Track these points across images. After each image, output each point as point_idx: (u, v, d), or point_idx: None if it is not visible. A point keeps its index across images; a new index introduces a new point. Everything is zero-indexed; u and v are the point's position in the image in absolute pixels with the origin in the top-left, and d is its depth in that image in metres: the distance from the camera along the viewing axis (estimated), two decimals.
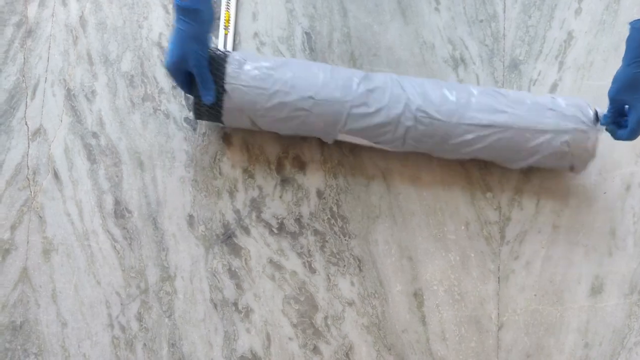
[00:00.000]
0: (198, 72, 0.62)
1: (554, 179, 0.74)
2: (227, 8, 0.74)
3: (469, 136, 0.66)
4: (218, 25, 0.75)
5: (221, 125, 0.71)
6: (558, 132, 0.66)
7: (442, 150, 0.68)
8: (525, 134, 0.66)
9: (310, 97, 0.64)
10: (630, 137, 0.63)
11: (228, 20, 0.74)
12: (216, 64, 0.64)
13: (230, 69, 0.64)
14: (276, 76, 0.65)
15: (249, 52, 0.70)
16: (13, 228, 0.72)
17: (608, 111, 0.64)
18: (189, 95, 0.70)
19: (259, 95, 0.64)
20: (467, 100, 0.66)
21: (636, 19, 0.59)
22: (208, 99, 0.64)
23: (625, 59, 0.60)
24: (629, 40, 0.59)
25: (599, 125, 0.67)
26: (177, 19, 0.60)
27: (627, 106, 0.63)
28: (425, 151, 0.69)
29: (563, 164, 0.68)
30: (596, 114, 0.67)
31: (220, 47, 0.74)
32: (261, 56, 0.69)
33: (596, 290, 0.73)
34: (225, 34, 0.74)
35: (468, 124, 0.65)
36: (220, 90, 0.64)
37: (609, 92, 0.62)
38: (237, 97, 0.65)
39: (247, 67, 0.65)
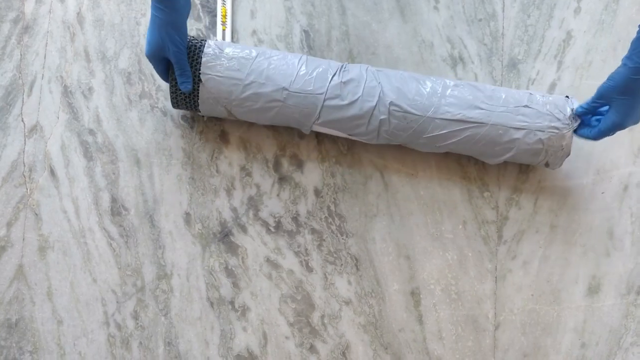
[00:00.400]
0: (176, 59, 0.63)
1: (552, 179, 0.74)
2: (223, 3, 0.74)
3: (443, 131, 0.66)
4: (215, 22, 0.75)
5: (200, 114, 0.71)
6: (531, 129, 0.66)
7: (416, 143, 0.69)
8: (499, 130, 0.66)
9: (285, 89, 0.65)
10: (597, 137, 0.64)
11: (225, 16, 0.74)
12: (192, 53, 0.65)
13: (205, 59, 0.65)
14: (252, 67, 0.65)
15: (226, 42, 0.70)
16: (9, 225, 0.72)
17: (587, 104, 0.64)
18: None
19: (233, 86, 0.65)
20: (442, 94, 0.66)
21: None
22: (186, 86, 0.65)
23: (629, 60, 0.59)
24: (636, 42, 0.58)
25: (575, 123, 0.66)
26: (153, 6, 0.60)
27: (607, 107, 0.62)
28: (400, 143, 0.69)
29: (538, 160, 0.68)
30: (572, 111, 0.67)
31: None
32: (238, 45, 0.68)
33: (593, 290, 0.73)
34: (223, 30, 0.74)
35: (441, 118, 0.66)
36: (196, 80, 0.65)
37: (601, 87, 0.62)
38: (212, 87, 0.65)
39: (223, 57, 0.65)
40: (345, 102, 0.65)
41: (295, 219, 0.72)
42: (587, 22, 0.77)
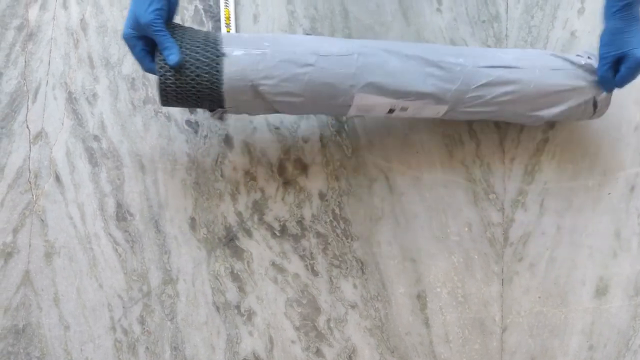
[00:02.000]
0: (158, 35, 0.58)
1: (558, 180, 0.74)
2: (226, 5, 0.74)
3: (491, 78, 0.63)
4: (219, 27, 0.75)
5: (187, 108, 0.67)
6: (575, 74, 0.66)
7: (462, 102, 0.64)
8: (546, 76, 0.65)
9: (315, 53, 0.60)
10: (620, 84, 0.65)
11: (228, 18, 0.74)
12: (210, 35, 0.60)
13: (226, 37, 0.60)
14: (275, 39, 0.61)
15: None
16: (15, 231, 0.72)
17: (604, 69, 0.65)
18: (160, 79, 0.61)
19: (261, 56, 0.59)
20: (481, 50, 0.66)
21: None
22: (173, 58, 0.58)
23: (605, 10, 0.63)
24: None
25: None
26: None
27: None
28: (448, 107, 0.65)
29: (587, 108, 0.67)
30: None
31: None
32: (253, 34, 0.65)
33: (601, 292, 0.72)
34: (228, 32, 0.74)
35: (489, 66, 0.64)
36: (217, 56, 0.59)
37: (600, 50, 0.65)
38: (237, 59, 0.59)
39: (243, 33, 0.62)
40: (384, 58, 0.61)
41: (300, 222, 0.72)
42: (592, 23, 0.76)
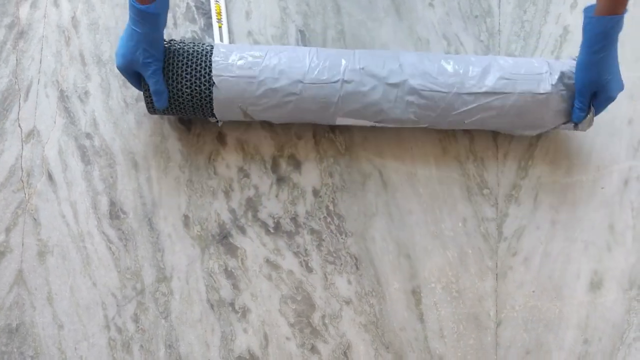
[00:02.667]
0: (151, 76, 0.62)
1: (552, 175, 0.74)
2: (217, 1, 0.74)
3: (471, 105, 0.65)
4: (211, 24, 0.74)
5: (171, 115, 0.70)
6: (557, 92, 0.65)
7: (444, 123, 0.67)
8: (527, 98, 0.65)
9: (299, 81, 0.64)
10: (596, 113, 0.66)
11: (220, 13, 0.74)
12: (202, 57, 0.64)
13: (216, 61, 0.64)
14: (263, 64, 0.64)
15: (233, 45, 0.69)
16: (8, 230, 0.72)
17: (580, 102, 0.65)
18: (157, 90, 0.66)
19: (248, 84, 0.64)
20: (464, 70, 0.65)
21: (589, 5, 0.60)
22: (161, 104, 0.64)
23: (582, 47, 0.62)
24: (584, 29, 0.61)
25: None
26: (133, 19, 0.59)
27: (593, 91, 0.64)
28: (427, 125, 0.68)
29: (567, 120, 0.67)
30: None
31: (216, 39, 0.73)
32: (246, 45, 0.68)
33: (595, 285, 0.72)
34: (220, 27, 0.74)
35: (468, 93, 0.64)
36: (208, 83, 0.64)
37: (577, 84, 0.64)
38: (226, 88, 0.64)
39: (233, 57, 0.64)
40: (367, 87, 0.64)
41: (294, 219, 0.72)
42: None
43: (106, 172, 0.72)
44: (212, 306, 0.71)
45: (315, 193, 0.73)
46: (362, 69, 0.64)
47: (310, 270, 0.72)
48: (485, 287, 0.72)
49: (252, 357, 0.70)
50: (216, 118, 0.68)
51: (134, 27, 0.60)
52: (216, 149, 0.73)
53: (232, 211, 0.72)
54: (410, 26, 0.76)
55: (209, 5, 0.75)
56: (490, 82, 0.65)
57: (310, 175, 0.73)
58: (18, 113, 0.73)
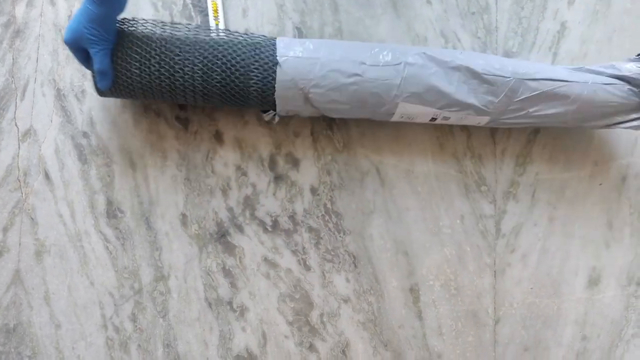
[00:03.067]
0: (96, 54, 0.61)
1: (550, 172, 0.74)
2: None
3: (534, 92, 0.64)
4: (207, 21, 0.74)
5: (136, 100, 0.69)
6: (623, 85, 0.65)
7: (507, 114, 0.66)
8: (593, 88, 0.64)
9: (362, 63, 0.63)
10: None
11: (216, 11, 0.73)
12: (265, 45, 0.64)
13: (281, 43, 0.63)
14: (325, 46, 0.64)
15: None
16: (5, 230, 0.71)
17: None
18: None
19: (311, 65, 0.62)
20: (527, 63, 0.66)
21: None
22: (104, 84, 0.63)
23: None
24: None
25: None
26: None
27: None
28: (489, 119, 0.66)
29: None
30: None
31: None
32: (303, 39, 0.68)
33: (593, 282, 0.72)
34: (217, 24, 0.73)
35: (532, 79, 0.64)
36: (272, 65, 0.63)
37: None
38: (290, 67, 0.62)
39: (295, 44, 0.64)
40: (430, 70, 0.63)
41: (292, 217, 0.72)
42: (582, 13, 0.76)
43: (103, 171, 0.72)
44: (210, 305, 0.71)
45: (313, 191, 0.73)
46: (424, 53, 0.64)
47: (308, 268, 0.71)
48: (484, 284, 0.72)
49: (250, 355, 0.70)
50: (273, 106, 0.66)
51: (88, 5, 0.59)
52: (213, 147, 0.73)
53: (229, 209, 0.72)
54: (408, 23, 0.76)
55: (206, 2, 0.74)
56: (556, 70, 0.65)
57: (308, 173, 0.73)
58: (15, 112, 0.73)
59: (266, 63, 0.63)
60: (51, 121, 0.73)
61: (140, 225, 0.71)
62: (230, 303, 0.71)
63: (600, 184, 0.74)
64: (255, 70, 0.63)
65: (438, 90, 0.63)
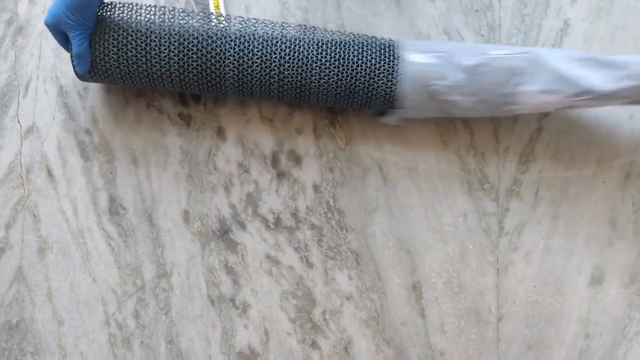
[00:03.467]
0: (75, 38, 0.62)
1: (553, 169, 0.73)
2: None
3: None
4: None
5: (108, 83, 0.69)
6: None
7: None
8: None
9: (484, 53, 0.64)
10: None
11: (218, 7, 0.73)
12: (387, 48, 0.65)
13: (404, 41, 0.65)
14: (442, 45, 0.66)
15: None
16: (7, 227, 0.71)
17: None
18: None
19: (436, 58, 0.64)
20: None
21: None
22: (82, 67, 0.64)
23: None
24: None
25: None
26: None
27: None
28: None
29: None
30: None
31: None
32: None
33: (597, 280, 0.72)
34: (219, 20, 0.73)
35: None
36: (396, 58, 0.64)
37: None
38: (416, 63, 0.64)
39: (414, 43, 0.66)
40: (557, 57, 0.63)
41: (294, 214, 0.72)
42: (585, 10, 0.76)
43: (106, 168, 0.72)
44: (212, 302, 0.71)
45: (316, 188, 0.73)
46: (547, 50, 0.64)
47: (310, 265, 0.71)
48: (487, 282, 0.72)
49: (252, 352, 0.70)
50: (394, 103, 0.66)
51: None
52: (216, 144, 0.73)
53: (232, 206, 0.72)
54: (411, 20, 0.76)
55: None
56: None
57: (310, 170, 0.73)
58: (17, 109, 0.73)
59: (389, 59, 0.64)
60: (54, 118, 0.73)
61: (142, 222, 0.71)
62: (232, 300, 0.71)
63: (604, 182, 0.73)
64: (377, 70, 0.64)
65: (565, 77, 0.62)
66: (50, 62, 0.74)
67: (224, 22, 0.66)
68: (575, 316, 0.71)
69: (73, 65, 0.65)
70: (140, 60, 0.63)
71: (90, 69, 0.64)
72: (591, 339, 0.71)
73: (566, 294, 0.72)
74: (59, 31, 0.63)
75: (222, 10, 0.74)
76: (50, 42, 0.74)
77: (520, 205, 0.73)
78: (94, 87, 0.73)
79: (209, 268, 0.71)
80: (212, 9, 0.73)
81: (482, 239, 0.72)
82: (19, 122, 0.73)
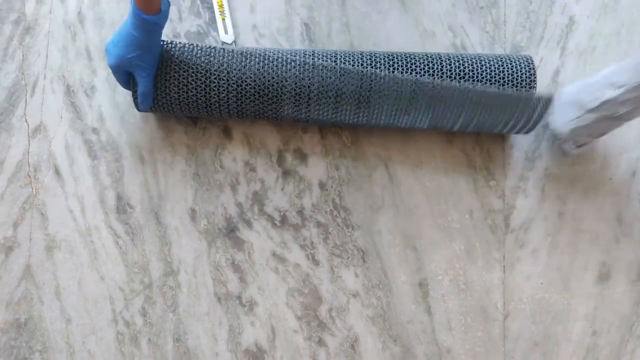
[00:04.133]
0: (143, 78, 0.63)
1: (559, 166, 0.73)
2: None
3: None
4: (214, 17, 0.74)
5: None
6: None
7: None
8: None
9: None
10: None
11: (222, 6, 0.74)
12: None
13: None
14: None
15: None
16: (15, 225, 0.72)
17: None
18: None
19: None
20: None
21: None
22: (144, 107, 0.65)
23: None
24: None
25: None
26: (135, 26, 0.59)
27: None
28: None
29: None
30: None
31: (220, 32, 0.73)
32: None
33: (603, 277, 0.72)
34: (223, 19, 0.74)
35: None
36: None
37: None
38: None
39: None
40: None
41: (300, 212, 0.72)
42: (590, 7, 0.76)
43: (113, 166, 0.73)
44: (219, 299, 0.71)
45: (322, 186, 0.73)
46: None
47: (317, 263, 0.71)
48: (493, 279, 0.72)
49: (259, 350, 0.70)
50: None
51: (133, 32, 0.60)
52: (222, 142, 0.73)
53: (238, 205, 0.72)
54: (416, 18, 0.76)
55: None
56: None
57: (316, 169, 0.73)
58: (25, 109, 0.74)
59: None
60: (61, 117, 0.74)
61: (149, 220, 0.72)
62: (239, 298, 0.71)
63: (610, 179, 0.73)
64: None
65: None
66: (58, 62, 0.74)
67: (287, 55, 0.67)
68: (582, 313, 0.71)
69: (136, 103, 0.66)
70: (200, 93, 0.65)
71: (152, 104, 0.66)
72: (598, 336, 0.71)
73: (573, 291, 0.72)
74: (124, 72, 0.63)
75: (226, 10, 0.74)
76: (57, 42, 0.75)
77: (526, 202, 0.73)
78: (101, 87, 0.74)
79: (215, 266, 0.71)
80: (216, 8, 0.74)
81: (489, 236, 0.72)
82: (26, 121, 0.74)
